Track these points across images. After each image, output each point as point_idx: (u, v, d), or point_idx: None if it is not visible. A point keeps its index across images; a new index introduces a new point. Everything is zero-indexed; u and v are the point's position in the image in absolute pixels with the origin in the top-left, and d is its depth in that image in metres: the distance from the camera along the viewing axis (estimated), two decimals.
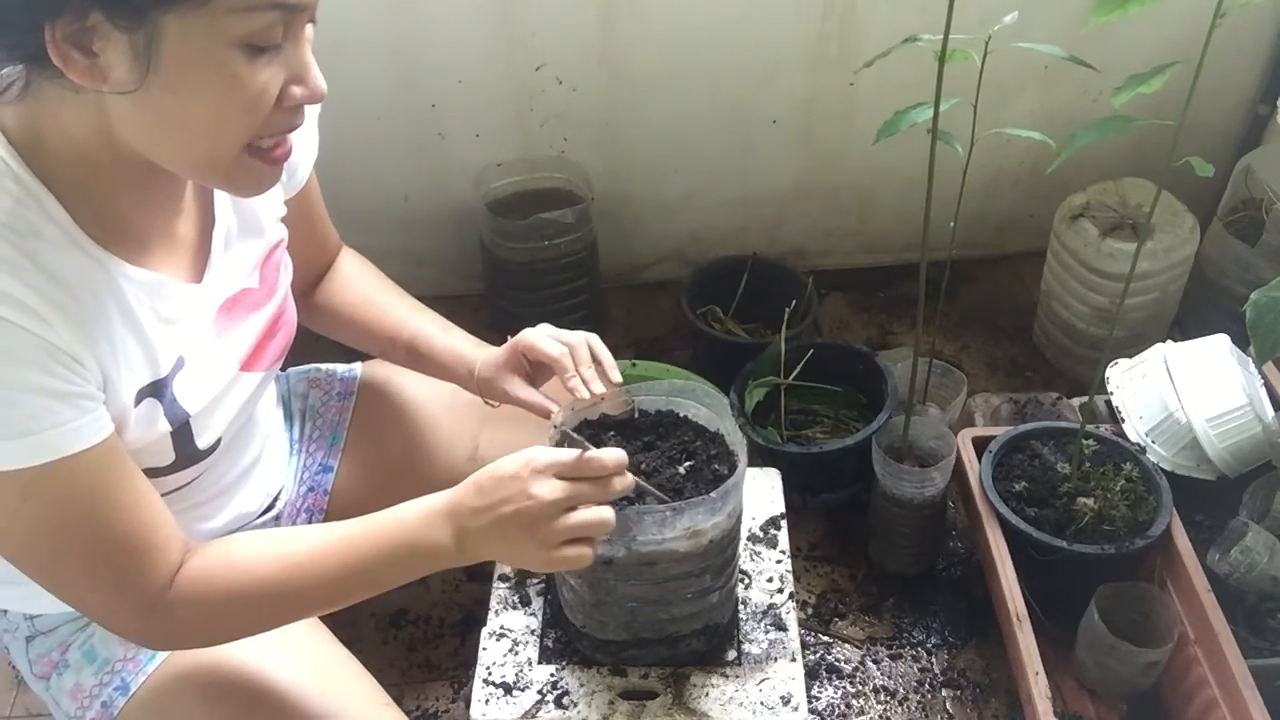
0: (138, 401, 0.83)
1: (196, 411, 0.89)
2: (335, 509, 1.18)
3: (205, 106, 0.72)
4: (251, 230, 0.96)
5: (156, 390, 0.85)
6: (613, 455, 0.85)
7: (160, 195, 0.85)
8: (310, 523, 1.18)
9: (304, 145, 1.03)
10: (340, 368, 1.26)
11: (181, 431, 0.88)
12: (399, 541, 0.86)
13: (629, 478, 0.86)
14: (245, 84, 0.71)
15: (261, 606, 0.86)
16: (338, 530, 0.87)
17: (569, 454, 0.84)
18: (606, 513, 0.84)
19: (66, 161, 0.76)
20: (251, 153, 0.77)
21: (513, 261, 1.76)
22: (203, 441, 0.91)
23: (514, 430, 1.12)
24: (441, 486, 1.19)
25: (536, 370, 1.07)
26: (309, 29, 0.76)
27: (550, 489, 0.82)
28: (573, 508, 0.83)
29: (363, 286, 1.17)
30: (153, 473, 0.88)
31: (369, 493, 1.18)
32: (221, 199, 0.92)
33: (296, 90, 0.75)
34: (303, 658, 0.98)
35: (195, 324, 0.89)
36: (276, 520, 1.12)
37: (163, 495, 0.92)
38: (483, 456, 1.20)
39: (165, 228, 0.86)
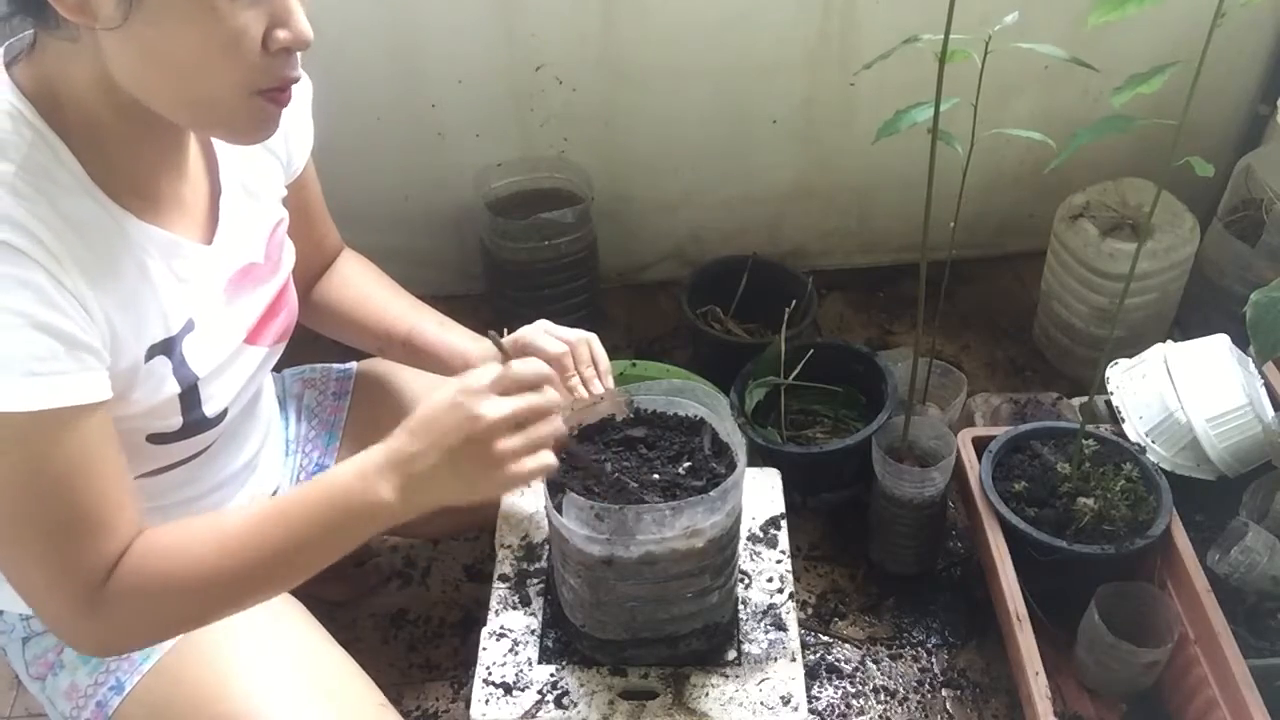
0: (149, 357, 0.83)
1: (204, 375, 0.89)
2: None
3: (187, 43, 0.72)
4: (256, 202, 0.97)
5: (167, 348, 0.85)
6: (536, 362, 0.85)
7: (164, 154, 0.86)
8: None
9: (299, 133, 1.04)
10: (336, 367, 1.26)
11: (189, 395, 0.88)
12: (335, 504, 0.82)
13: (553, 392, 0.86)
14: (224, 20, 0.72)
15: (200, 590, 0.82)
16: (274, 502, 0.84)
17: (498, 369, 0.83)
18: (555, 421, 0.84)
19: (76, 117, 0.78)
20: (259, 94, 0.77)
21: (513, 261, 1.76)
22: (210, 409, 0.91)
23: None
24: None
25: None
26: None
27: (496, 406, 0.81)
28: (520, 425, 0.82)
29: (361, 284, 1.17)
30: (160, 438, 0.88)
31: None
32: (227, 169, 0.93)
33: (280, 34, 0.75)
34: (298, 656, 0.98)
35: (206, 287, 0.90)
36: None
37: (166, 469, 0.92)
38: None
39: (174, 190, 0.87)
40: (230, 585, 0.83)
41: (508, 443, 0.81)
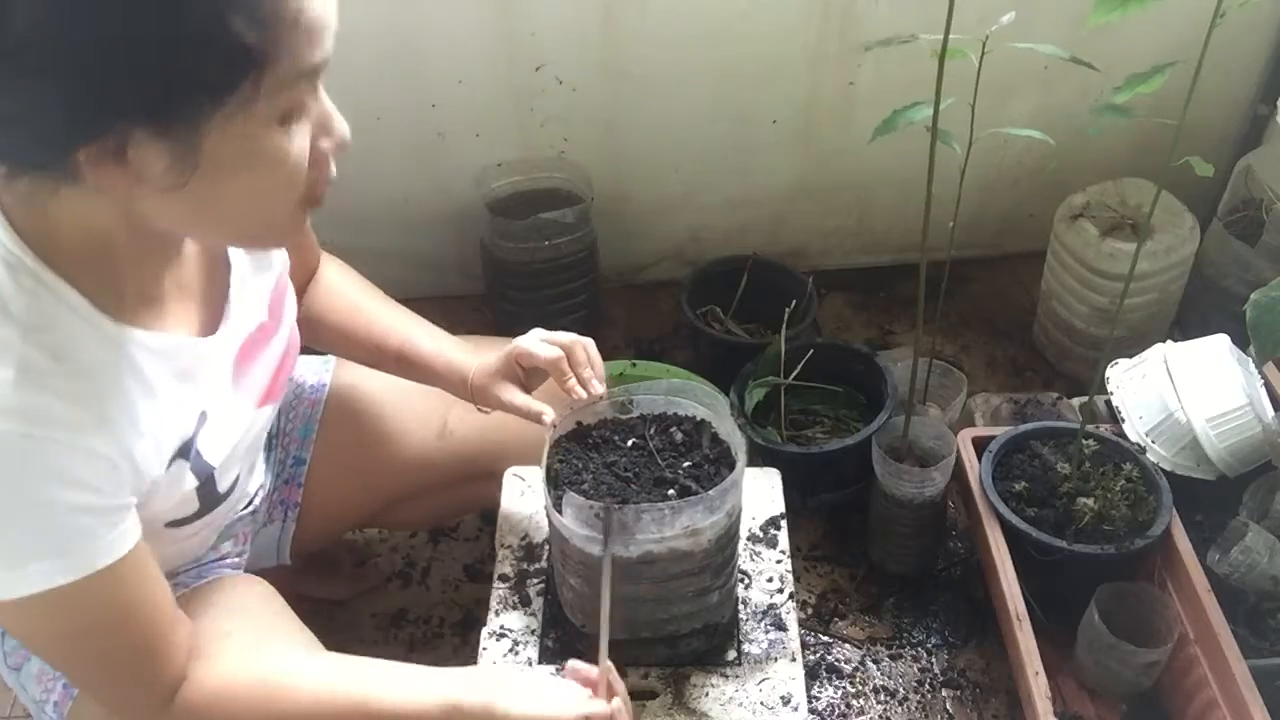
0: (168, 466, 0.84)
1: (220, 462, 0.90)
2: (309, 498, 1.20)
3: (246, 188, 0.71)
4: (262, 266, 0.96)
5: (184, 451, 0.86)
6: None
7: (171, 258, 0.84)
8: (286, 516, 1.20)
9: None
10: (316, 359, 1.26)
11: (206, 483, 0.89)
12: None
13: None
14: (284, 156, 0.70)
15: None
16: (355, 689, 0.88)
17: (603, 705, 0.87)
18: None
19: (79, 245, 0.74)
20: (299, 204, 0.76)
21: (513, 261, 1.76)
22: (224, 486, 0.93)
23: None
24: (412, 466, 1.20)
25: (530, 376, 1.07)
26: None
27: None
28: None
29: (348, 294, 1.16)
30: (178, 523, 0.90)
31: (342, 478, 1.20)
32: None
33: (324, 143, 0.75)
34: (268, 632, 0.98)
35: (213, 376, 0.89)
36: (254, 514, 1.12)
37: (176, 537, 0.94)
38: (451, 432, 1.22)
39: (176, 281, 0.85)
40: None
41: None
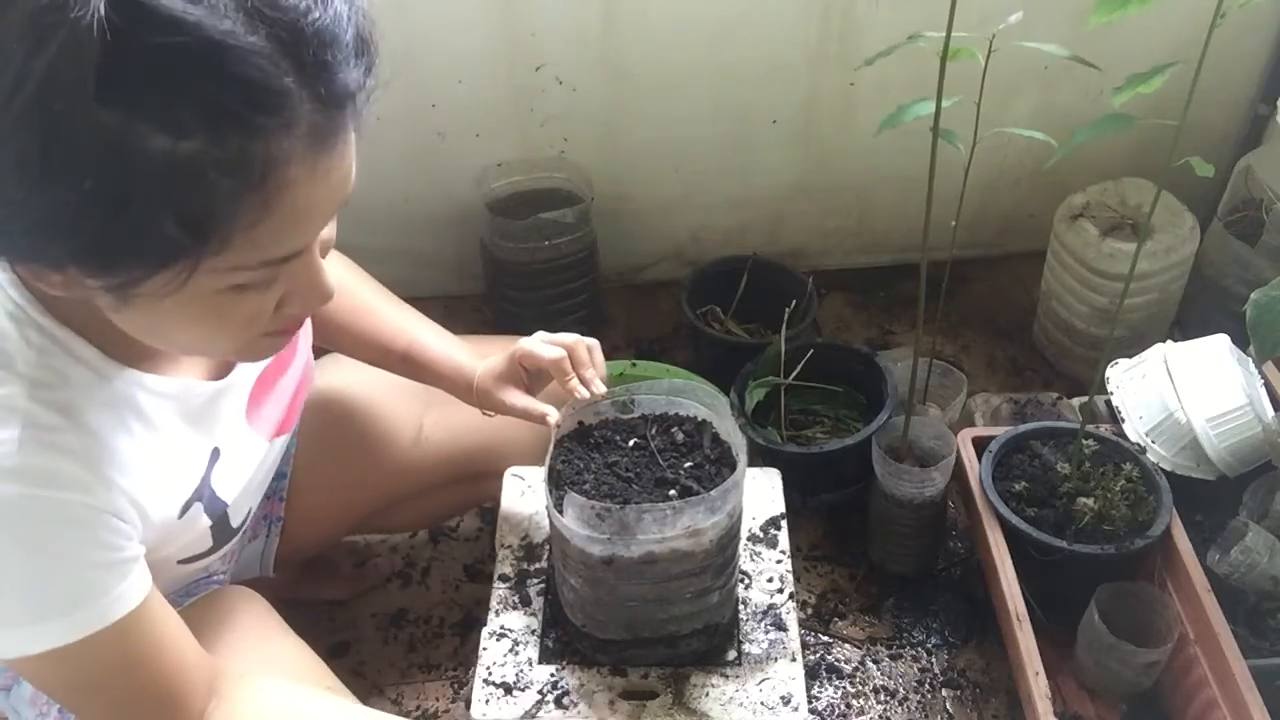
0: (183, 513, 0.84)
1: (233, 499, 0.90)
2: (292, 510, 1.20)
3: (189, 330, 0.71)
4: None
5: (198, 493, 0.86)
6: None
7: None
8: (269, 531, 1.20)
9: None
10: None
11: (220, 520, 0.89)
12: None
13: None
14: (229, 315, 0.69)
15: None
16: None
17: None
18: None
19: (81, 300, 0.74)
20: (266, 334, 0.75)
21: (513, 261, 1.76)
22: (236, 521, 0.93)
23: (455, 410, 1.14)
24: (391, 472, 1.20)
25: (534, 379, 1.07)
26: (329, 226, 0.73)
27: None
28: None
29: (357, 294, 1.16)
30: (190, 559, 0.90)
31: (323, 490, 1.20)
32: None
33: (295, 306, 0.73)
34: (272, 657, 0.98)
35: (226, 414, 0.89)
36: (241, 534, 1.12)
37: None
38: (427, 438, 1.23)
39: None
40: None
41: None
